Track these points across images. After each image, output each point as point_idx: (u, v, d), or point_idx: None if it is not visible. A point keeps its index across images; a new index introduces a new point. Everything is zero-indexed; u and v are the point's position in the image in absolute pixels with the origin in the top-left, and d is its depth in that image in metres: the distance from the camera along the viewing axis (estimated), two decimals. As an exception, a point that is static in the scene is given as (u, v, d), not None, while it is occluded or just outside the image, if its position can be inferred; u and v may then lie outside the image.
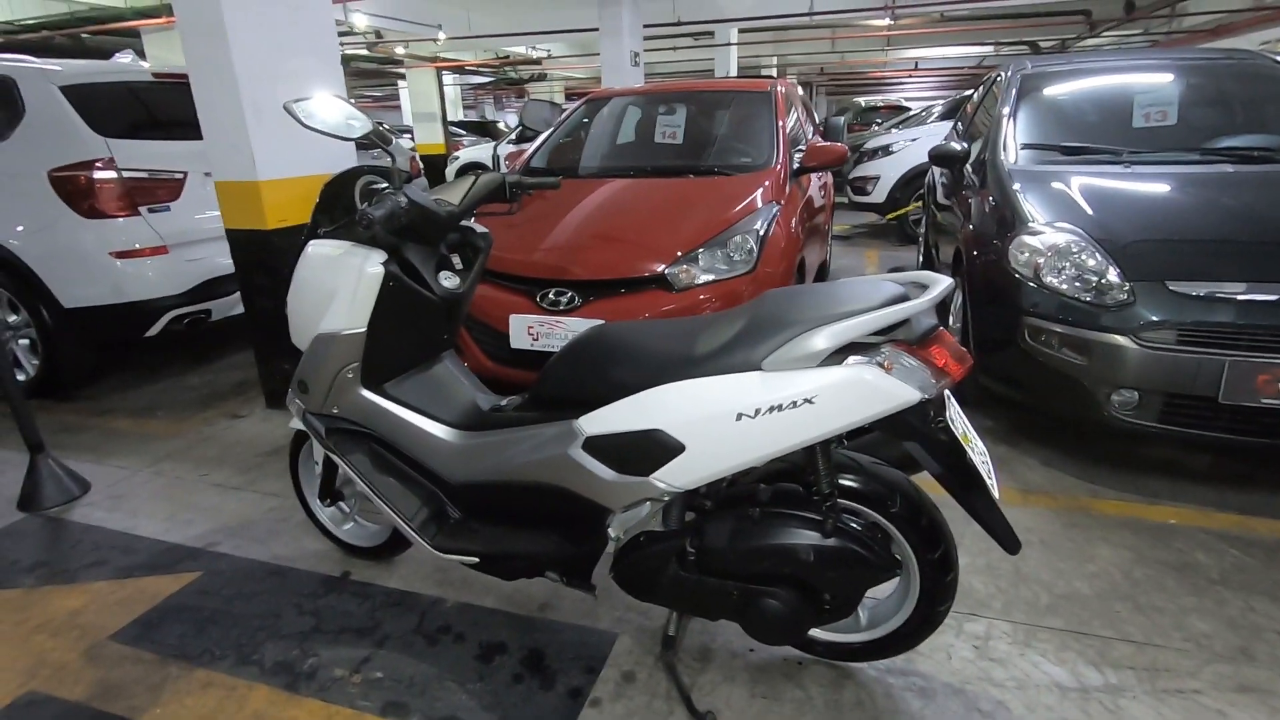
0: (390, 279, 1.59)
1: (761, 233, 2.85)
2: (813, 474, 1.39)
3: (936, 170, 5.01)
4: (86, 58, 4.31)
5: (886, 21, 12.52)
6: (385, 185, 1.65)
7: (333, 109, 1.54)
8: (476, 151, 12.38)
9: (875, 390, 1.22)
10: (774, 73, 18.18)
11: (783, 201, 3.12)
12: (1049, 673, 1.62)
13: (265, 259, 3.02)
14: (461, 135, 15.11)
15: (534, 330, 2.74)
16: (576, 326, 2.65)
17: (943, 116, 7.72)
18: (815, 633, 1.60)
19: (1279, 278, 2.11)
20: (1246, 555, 2.02)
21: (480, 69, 16.91)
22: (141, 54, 4.25)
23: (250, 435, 3.03)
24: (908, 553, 1.43)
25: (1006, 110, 3.32)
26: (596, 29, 7.81)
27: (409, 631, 1.82)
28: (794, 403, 1.24)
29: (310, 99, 1.52)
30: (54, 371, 3.44)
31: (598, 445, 1.42)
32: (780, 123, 3.60)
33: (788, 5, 9.88)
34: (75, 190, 3.19)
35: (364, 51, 13.39)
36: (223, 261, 3.49)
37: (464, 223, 1.79)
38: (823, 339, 1.22)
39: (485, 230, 1.83)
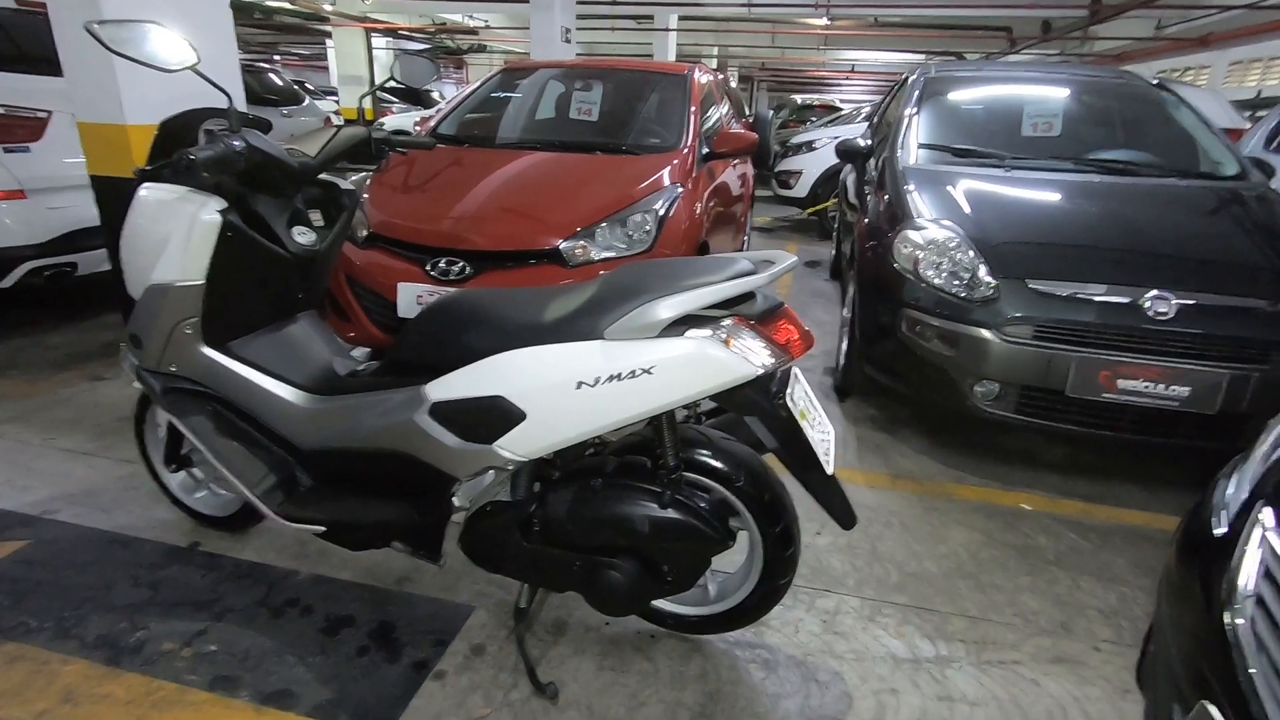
0: (229, 229, 1.49)
1: (661, 213, 2.84)
2: (659, 447, 1.39)
3: (849, 169, 5.15)
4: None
5: (824, 21, 12.77)
6: (214, 129, 1.54)
7: (152, 37, 1.43)
8: (405, 119, 11.92)
9: (713, 363, 1.22)
10: (714, 64, 18.27)
11: (688, 184, 3.12)
12: (887, 645, 1.69)
13: (134, 210, 2.80)
14: (391, 102, 14.53)
15: (423, 300, 2.65)
16: (466, 298, 2.58)
17: (868, 118, 7.93)
18: (664, 605, 1.61)
19: (1130, 281, 2.25)
20: (1083, 539, 2.17)
21: (414, 34, 16.28)
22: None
23: (111, 399, 2.83)
24: (752, 527, 1.45)
25: (909, 111, 3.43)
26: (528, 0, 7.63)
27: (253, 604, 1.73)
28: (633, 373, 1.23)
29: (126, 23, 1.40)
30: (-113, 322, 3.12)
31: (443, 412, 1.38)
32: (693, 107, 3.59)
33: (727, -5, 9.92)
34: (-84, 122, 2.89)
35: (285, 4, 12.65)
36: (91, 212, 3.22)
37: (329, 179, 1.70)
38: (664, 309, 1.22)
39: (351, 188, 1.74)
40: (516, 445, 1.33)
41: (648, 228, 2.78)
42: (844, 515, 1.39)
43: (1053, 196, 2.73)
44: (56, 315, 3.74)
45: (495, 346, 1.34)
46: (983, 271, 2.36)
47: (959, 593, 1.89)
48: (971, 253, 2.40)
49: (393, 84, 1.96)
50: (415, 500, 1.50)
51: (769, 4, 10.47)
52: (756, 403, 1.31)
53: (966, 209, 2.62)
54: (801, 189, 7.25)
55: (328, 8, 12.65)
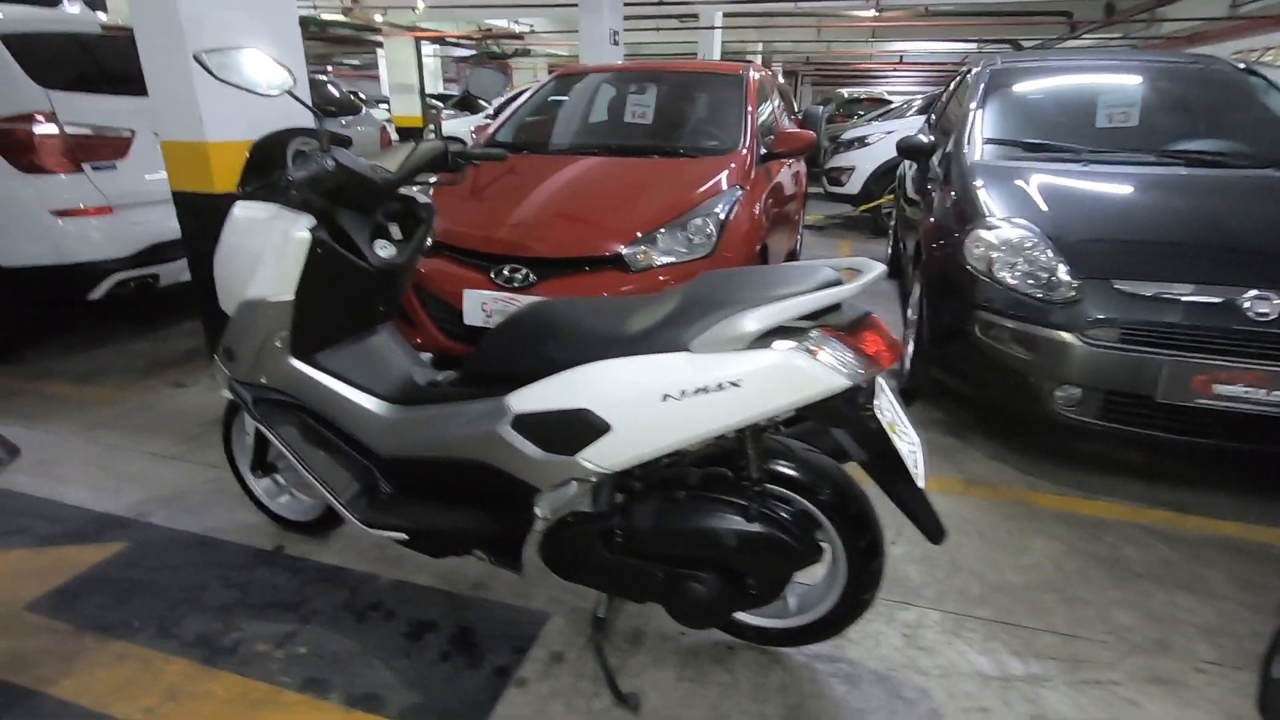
0: (318, 245, 1.53)
1: (722, 216, 2.82)
2: (743, 459, 1.38)
3: (907, 164, 5.03)
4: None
5: (871, 12, 12.51)
6: (305, 148, 1.59)
7: (253, 64, 1.48)
8: (455, 125, 12.15)
9: (802, 375, 1.20)
10: (758, 59, 18.08)
11: (747, 186, 3.09)
12: (974, 662, 1.64)
13: (213, 224, 2.89)
14: (440, 108, 14.84)
15: (488, 307, 2.69)
16: (530, 304, 2.61)
17: (920, 110, 7.74)
18: (744, 617, 1.60)
19: (1224, 280, 2.14)
20: (1173, 550, 2.07)
21: (461, 41, 16.57)
22: (102, 6, 4.08)
23: (193, 404, 2.95)
24: (835, 540, 1.43)
25: (974, 105, 3.32)
26: (576, 3, 7.67)
27: (337, 607, 1.78)
28: (720, 385, 1.22)
29: (229, 50, 1.45)
30: (-8, 333, 3.32)
31: (525, 423, 1.39)
32: (750, 107, 3.56)
33: (773, -9, 9.80)
34: (13, 143, 3.05)
35: (340, 17, 13.03)
36: (171, 225, 3.36)
37: (406, 192, 1.74)
38: (751, 321, 1.20)
39: (428, 201, 1.78)
40: (600, 457, 1.33)
41: (709, 232, 2.76)
42: (933, 529, 1.35)
43: (1134, 191, 2.61)
44: (139, 324, 3.93)
45: (578, 358, 1.35)
46: (1063, 271, 2.26)
47: (1046, 607, 1.82)
48: (1050, 252, 2.31)
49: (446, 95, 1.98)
50: (495, 509, 1.52)
51: (816, -3, 10.31)
52: (845, 415, 1.28)
53: (1042, 206, 2.52)
54: (854, 186, 7.11)
55: (379, 19, 12.97)
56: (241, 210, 1.61)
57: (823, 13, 13.01)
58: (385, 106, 14.07)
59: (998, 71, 3.48)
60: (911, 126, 7.12)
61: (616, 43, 7.66)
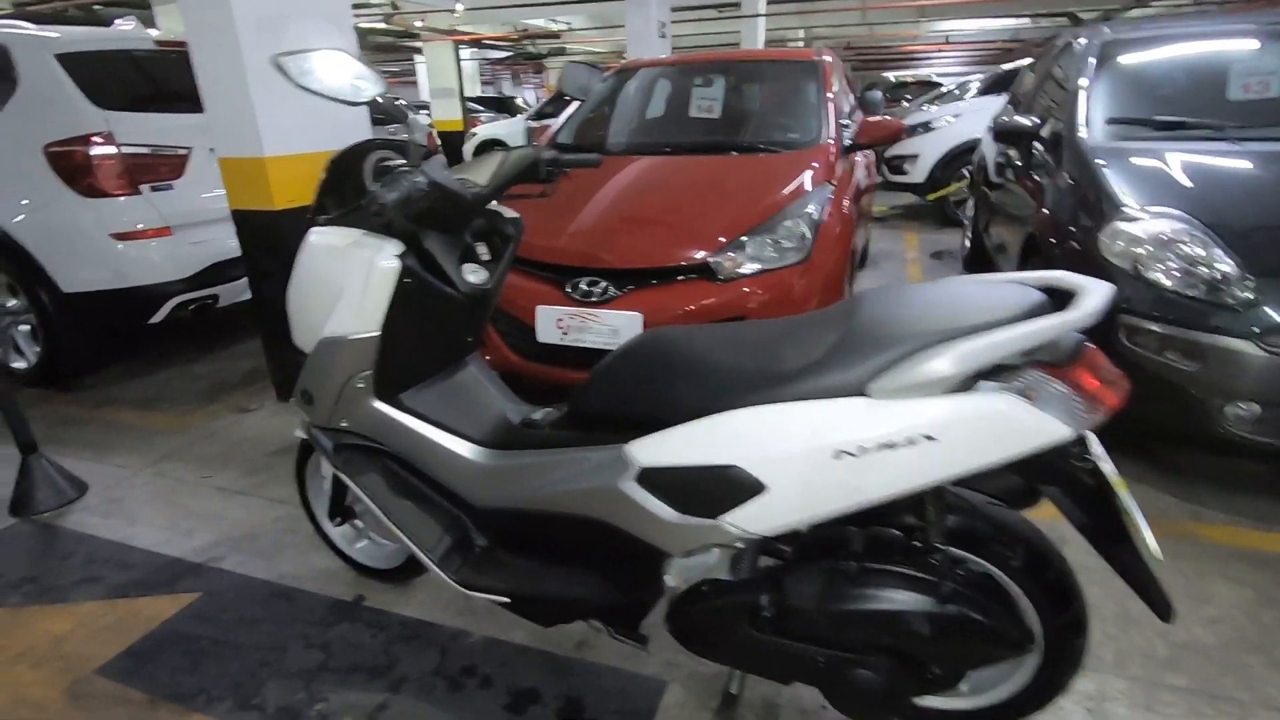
0: (407, 275, 1.34)
1: (815, 217, 2.57)
2: (917, 517, 1.14)
3: (989, 148, 4.67)
4: (91, 26, 4.08)
5: (922, -9, 11.97)
6: (401, 162, 1.40)
7: (336, 67, 1.29)
8: (495, 128, 12.06)
9: (1017, 426, 0.96)
10: (800, 46, 17.59)
11: (834, 182, 2.83)
12: (1180, 745, 1.37)
13: (273, 242, 2.79)
14: (479, 111, 14.77)
15: (563, 323, 2.49)
16: (612, 320, 2.40)
17: (983, 91, 7.30)
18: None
19: None
20: (1388, 596, 1.75)
21: (498, 43, 16.50)
22: (153, 23, 4.02)
23: (258, 431, 2.83)
24: (1030, 613, 1.18)
25: (1084, 82, 2.99)
26: (619, -2, 7.46)
27: (429, 672, 1.60)
28: (910, 440, 0.99)
29: (309, 53, 1.27)
30: (54, 360, 3.26)
31: (656, 479, 1.18)
32: (829, 95, 3.29)
33: (821, -27, 9.40)
34: (72, 166, 2.98)
35: (380, 25, 13.05)
36: (230, 244, 3.24)
37: (495, 208, 1.54)
38: (949, 361, 0.97)
39: (516, 215, 1.58)
40: (751, 521, 1.11)
41: (803, 234, 2.52)
42: (1163, 605, 1.09)
43: (1299, 171, 2.27)
44: (198, 346, 3.85)
45: (716, 400, 1.13)
46: (1231, 267, 1.96)
47: (1251, 672, 1.53)
48: (1214, 245, 2.00)
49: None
50: (616, 575, 1.32)
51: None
52: (1061, 469, 1.04)
53: (1191, 192, 2.20)
54: (919, 174, 6.73)
55: (418, 24, 12.96)
56: (318, 237, 1.43)
57: (870, -7, 12.52)
58: (426, 112, 14.06)
59: (1110, 43, 3.13)
60: (978, 109, 6.73)
61: (664, 35, 7.42)
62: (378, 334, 1.38)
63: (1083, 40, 3.32)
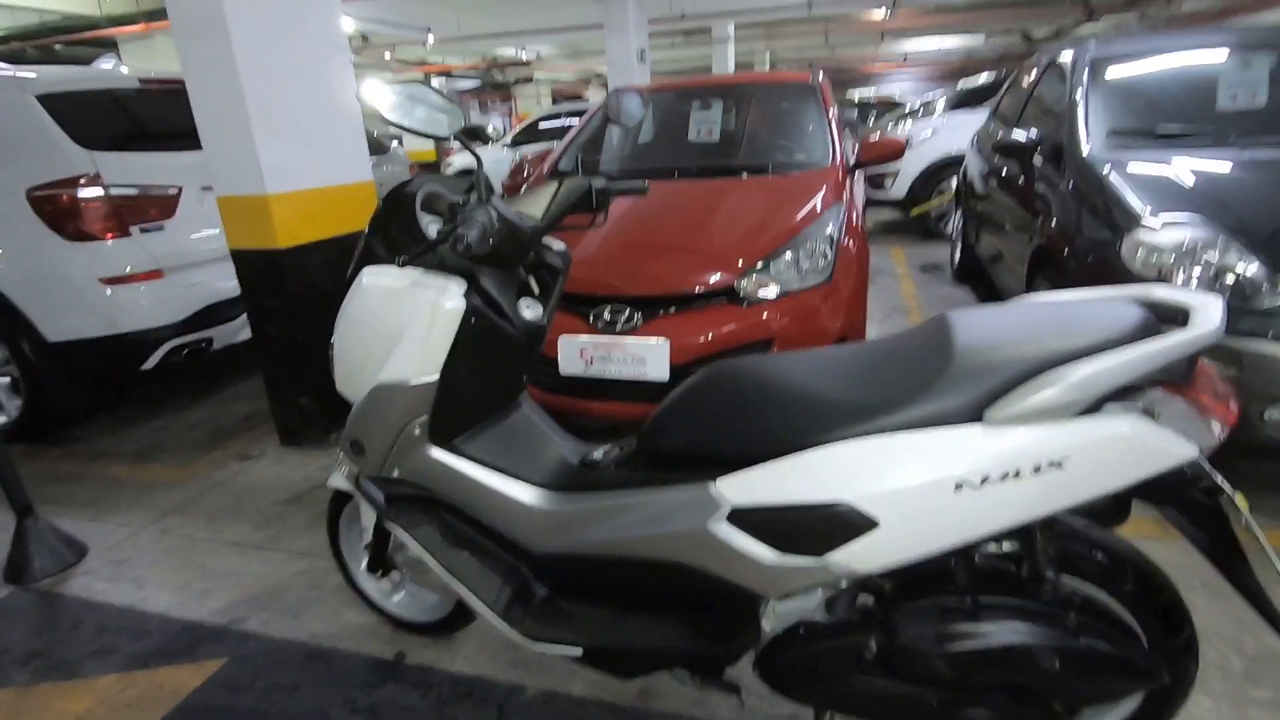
0: (471, 314, 1.28)
1: (835, 238, 2.56)
2: (1022, 545, 1.10)
3: (974, 162, 4.76)
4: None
5: (884, 13, 12.32)
6: (456, 199, 1.33)
7: (420, 101, 1.23)
8: (468, 158, 12.03)
9: (1145, 447, 0.93)
10: (767, 67, 17.95)
11: (844, 202, 2.83)
12: (1280, 764, 1.34)
13: (277, 282, 2.69)
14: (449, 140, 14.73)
15: (587, 353, 2.43)
16: (638, 347, 2.35)
17: (953, 107, 7.49)
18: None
19: None
20: None
21: (467, 72, 16.54)
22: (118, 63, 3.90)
23: (265, 479, 2.70)
24: (1141, 639, 1.14)
25: (1079, 95, 3.06)
26: (598, 25, 7.50)
27: (489, 733, 1.51)
28: (1036, 467, 0.95)
29: (401, 87, 1.21)
30: (39, 413, 3.10)
31: (749, 519, 1.12)
32: (831, 113, 3.32)
33: (788, -2, 9.64)
34: (58, 210, 2.85)
35: (351, 57, 12.99)
36: (223, 285, 3.16)
37: (547, 241, 1.49)
38: (1078, 385, 0.93)
39: (563, 247, 1.52)
40: (860, 560, 1.06)
41: (826, 253, 2.50)
42: (1285, 623, 1.06)
43: (1304, 176, 2.32)
44: (189, 390, 3.70)
45: (807, 432, 1.07)
46: (1259, 270, 1.98)
47: (1331, 681, 1.52)
48: (1241, 250, 2.03)
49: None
50: (704, 621, 1.25)
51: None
52: (1181, 490, 1.01)
53: (1207, 200, 2.24)
54: (898, 190, 6.84)
55: (388, 56, 12.92)
56: (372, 279, 1.35)
57: (833, 16, 12.84)
58: (397, 142, 13.98)
59: (1099, 58, 3.21)
60: (953, 124, 6.89)
61: (643, 60, 7.48)
62: (437, 378, 1.30)
63: (1068, 56, 3.40)
